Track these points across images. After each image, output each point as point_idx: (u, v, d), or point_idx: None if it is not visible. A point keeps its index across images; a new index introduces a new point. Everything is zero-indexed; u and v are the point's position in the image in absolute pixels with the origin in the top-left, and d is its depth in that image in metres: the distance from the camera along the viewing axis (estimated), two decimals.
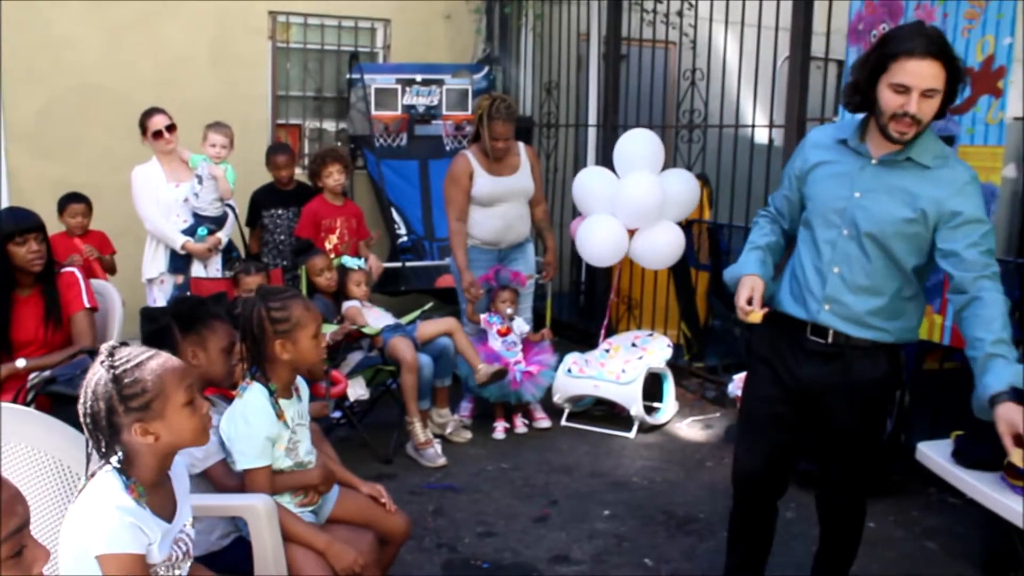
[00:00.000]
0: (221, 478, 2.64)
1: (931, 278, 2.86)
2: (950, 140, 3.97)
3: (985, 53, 3.88)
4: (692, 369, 6.15)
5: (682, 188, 5.43)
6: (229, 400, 2.73)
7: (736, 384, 4.72)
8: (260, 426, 2.60)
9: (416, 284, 6.62)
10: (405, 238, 6.87)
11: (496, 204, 5.12)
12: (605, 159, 6.52)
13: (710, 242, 6.06)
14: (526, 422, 5.32)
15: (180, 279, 5.33)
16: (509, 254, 5.29)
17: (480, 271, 5.14)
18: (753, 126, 5.79)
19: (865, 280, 2.68)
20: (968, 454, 3.25)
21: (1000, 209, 5.56)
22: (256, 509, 2.49)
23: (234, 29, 7.21)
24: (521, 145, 5.28)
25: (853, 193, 2.67)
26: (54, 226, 4.92)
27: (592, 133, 7.16)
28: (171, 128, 5.29)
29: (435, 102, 7.52)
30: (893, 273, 2.67)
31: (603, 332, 5.82)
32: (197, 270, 5.33)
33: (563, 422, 5.38)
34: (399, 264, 6.61)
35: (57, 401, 3.05)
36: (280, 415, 2.65)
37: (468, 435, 5.15)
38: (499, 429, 5.20)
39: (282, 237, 5.81)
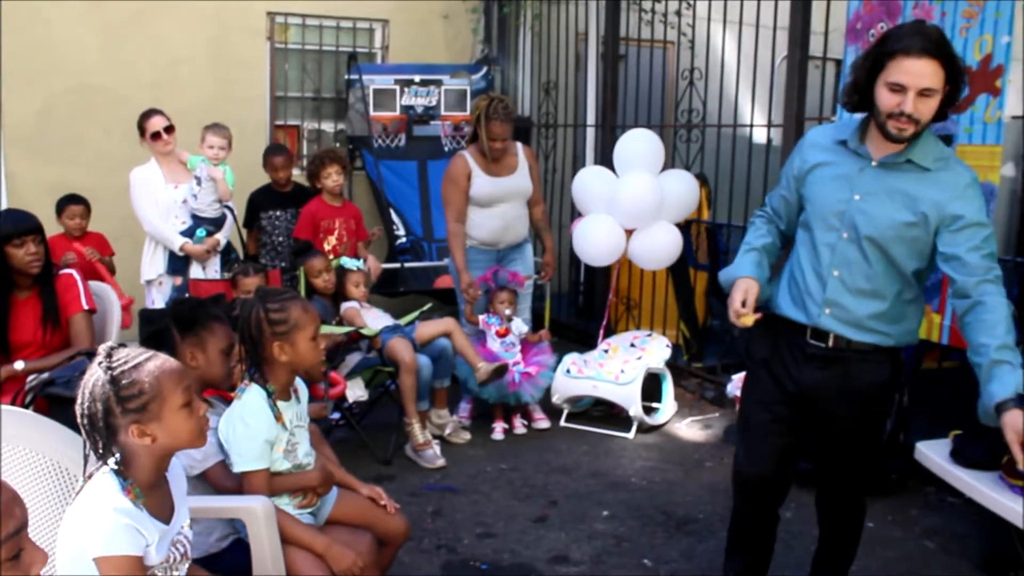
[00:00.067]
0: (219, 480, 2.64)
1: (930, 277, 2.84)
2: (948, 139, 3.98)
3: (983, 52, 3.88)
4: (691, 369, 6.15)
5: (681, 190, 5.43)
6: (228, 402, 2.73)
7: (735, 384, 4.72)
8: (258, 428, 2.60)
9: (415, 285, 6.62)
10: (404, 239, 6.87)
11: (494, 205, 5.12)
12: (604, 159, 6.53)
13: (709, 242, 6.07)
14: (525, 423, 5.32)
15: (179, 281, 5.32)
16: (507, 255, 5.29)
17: (478, 272, 5.14)
18: (751, 126, 5.79)
19: (865, 284, 2.65)
20: (966, 454, 3.26)
21: (998, 208, 5.56)
22: (254, 511, 2.49)
23: (232, 30, 7.21)
24: (519, 145, 5.28)
25: (853, 196, 2.64)
26: (52, 228, 4.93)
27: (591, 133, 7.16)
28: (169, 129, 5.28)
29: (433, 103, 7.52)
30: (893, 276, 2.64)
31: (602, 332, 5.82)
32: (196, 272, 5.33)
33: (562, 423, 5.38)
34: (398, 265, 6.61)
35: (55, 403, 3.05)
36: (278, 417, 2.64)
37: (467, 436, 5.15)
38: (498, 430, 5.20)
39: (280, 238, 5.81)
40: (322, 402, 4.26)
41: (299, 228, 5.53)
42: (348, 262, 5.11)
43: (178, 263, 5.33)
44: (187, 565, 2.15)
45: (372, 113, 7.33)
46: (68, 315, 3.69)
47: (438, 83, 7.52)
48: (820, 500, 3.04)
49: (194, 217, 5.31)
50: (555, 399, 5.36)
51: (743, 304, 2.69)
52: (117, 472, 1.98)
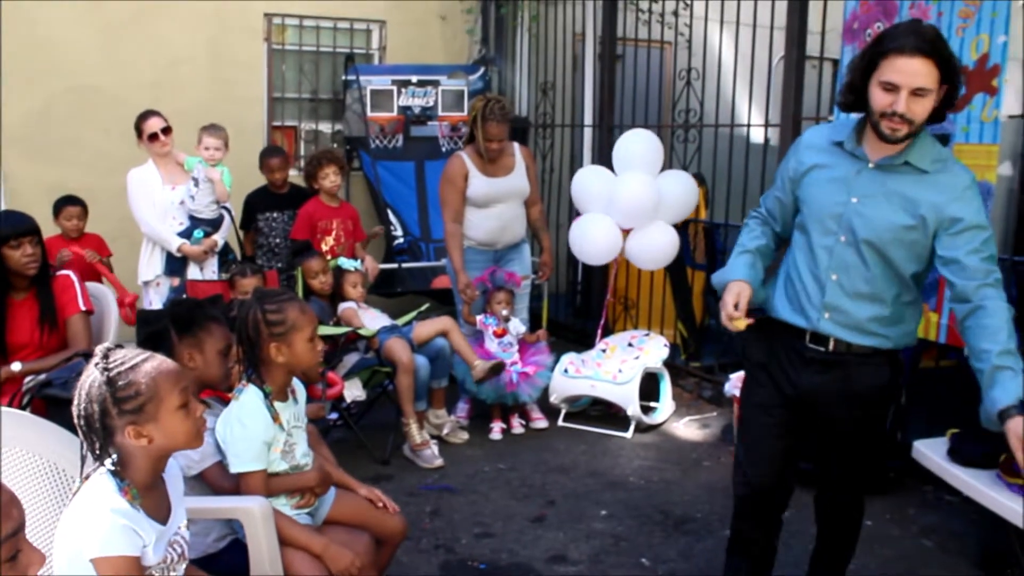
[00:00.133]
0: (217, 480, 2.64)
1: (928, 276, 2.83)
2: (945, 138, 3.98)
3: (980, 51, 3.88)
4: (689, 369, 6.15)
5: (680, 190, 5.43)
6: (225, 402, 2.73)
7: (733, 383, 4.71)
8: (255, 429, 2.60)
9: (412, 285, 6.62)
10: (401, 239, 6.87)
11: (492, 205, 5.12)
12: (601, 159, 6.53)
13: (706, 241, 6.07)
14: (523, 423, 5.32)
15: (176, 282, 5.32)
16: (505, 255, 5.29)
17: (476, 272, 5.14)
18: (749, 125, 5.80)
19: (864, 287, 2.62)
20: (964, 452, 3.25)
21: (995, 207, 5.56)
22: (252, 511, 2.49)
23: (230, 31, 7.21)
24: (516, 145, 5.28)
25: (850, 198, 2.60)
26: (49, 229, 4.93)
27: (588, 133, 7.17)
28: (167, 131, 5.28)
29: (431, 103, 7.51)
30: (892, 279, 2.61)
31: (600, 332, 5.82)
32: (193, 272, 5.33)
33: (560, 422, 5.38)
34: (395, 265, 6.61)
35: (52, 404, 3.04)
36: (276, 418, 2.64)
37: (465, 436, 5.15)
38: (496, 430, 5.20)
39: (277, 240, 5.81)
40: (320, 402, 4.26)
41: (296, 229, 5.53)
42: (346, 263, 5.12)
43: (176, 264, 5.32)
44: (184, 565, 2.15)
45: (369, 114, 7.33)
46: (65, 316, 3.69)
47: (435, 84, 7.52)
48: (819, 500, 3.03)
49: (191, 218, 5.31)
50: (553, 399, 5.36)
51: (736, 307, 2.67)
52: (114, 473, 1.98)
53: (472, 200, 5.10)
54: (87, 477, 1.99)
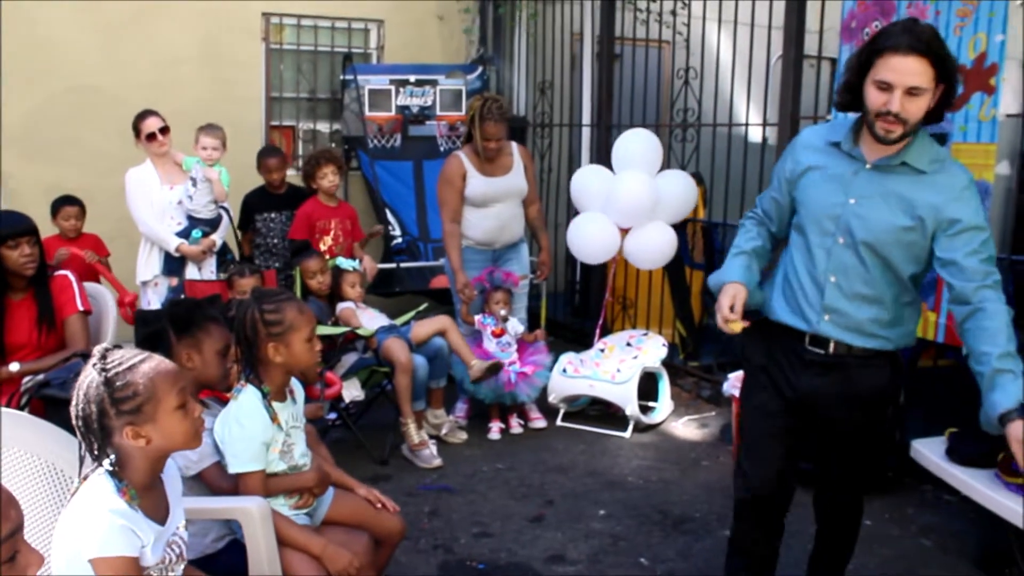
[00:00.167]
0: (215, 480, 2.64)
1: (926, 276, 2.82)
2: (943, 137, 3.98)
3: (977, 50, 3.89)
4: (687, 368, 6.15)
5: (679, 191, 5.43)
6: (223, 403, 2.73)
7: (731, 383, 4.71)
8: (254, 429, 2.60)
9: (411, 285, 6.61)
10: (400, 239, 6.87)
11: (490, 204, 5.12)
12: (599, 159, 6.53)
13: (705, 241, 6.07)
14: (521, 422, 5.32)
15: (174, 282, 5.31)
16: (503, 254, 5.29)
17: (475, 272, 5.14)
18: (747, 124, 5.80)
19: (864, 289, 2.60)
20: (962, 451, 3.26)
21: (993, 206, 5.57)
22: (250, 512, 2.49)
23: (227, 31, 7.21)
24: (514, 145, 5.28)
25: (848, 199, 2.59)
26: (47, 229, 4.93)
27: (586, 133, 7.17)
28: (165, 130, 5.28)
29: (429, 103, 7.51)
30: (891, 280, 2.59)
31: (598, 332, 5.82)
32: (191, 273, 5.32)
33: (558, 422, 5.38)
34: (394, 265, 6.60)
35: (51, 405, 3.04)
36: (274, 418, 2.64)
37: (463, 436, 5.15)
38: (494, 430, 5.20)
39: (274, 240, 5.81)
40: (318, 402, 4.26)
41: (295, 229, 5.53)
42: (344, 262, 5.11)
43: (174, 264, 5.32)
44: (183, 566, 2.15)
45: (367, 113, 7.32)
46: (63, 316, 3.69)
47: (433, 83, 7.51)
48: (819, 500, 3.02)
49: (190, 218, 5.31)
50: (551, 398, 5.36)
51: (731, 310, 2.65)
52: (112, 473, 1.97)
53: (470, 200, 5.10)
54: (85, 478, 1.99)
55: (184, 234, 5.28)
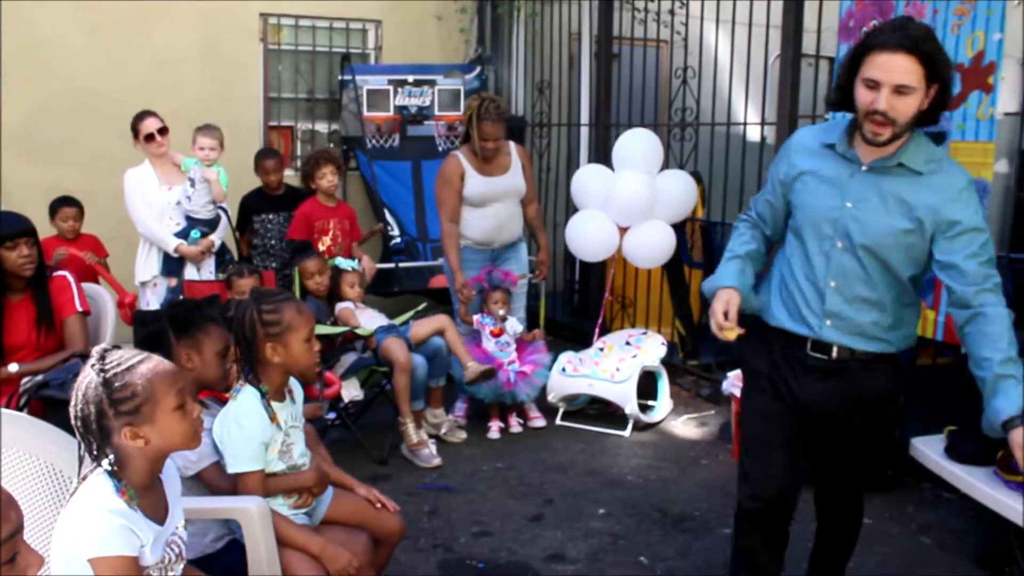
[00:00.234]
0: (214, 480, 2.64)
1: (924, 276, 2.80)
2: (941, 136, 3.98)
3: (975, 49, 3.89)
4: (686, 367, 6.15)
5: (679, 191, 5.44)
6: (223, 403, 2.73)
7: (731, 382, 4.72)
8: (252, 429, 2.60)
9: (409, 285, 6.61)
10: (398, 239, 6.87)
11: (488, 204, 5.12)
12: (598, 158, 6.54)
13: (703, 240, 6.08)
14: (521, 421, 5.32)
15: (173, 282, 5.32)
16: (502, 254, 5.29)
17: (473, 271, 5.14)
18: (745, 124, 5.80)
19: (864, 292, 2.56)
20: (961, 449, 3.26)
21: (992, 205, 5.58)
22: (249, 511, 2.49)
23: (225, 31, 7.20)
24: (512, 144, 5.28)
25: (844, 203, 2.54)
26: (45, 230, 4.92)
27: (584, 132, 7.18)
28: (163, 131, 5.28)
29: (427, 103, 7.51)
30: (890, 283, 2.56)
31: (597, 331, 5.82)
32: (190, 273, 5.32)
33: (558, 421, 5.38)
34: (392, 265, 6.60)
35: (49, 405, 3.04)
36: (273, 417, 2.64)
37: (463, 435, 5.15)
38: (494, 429, 5.20)
39: (272, 242, 5.80)
40: (317, 402, 4.26)
41: (293, 229, 5.53)
42: (343, 262, 5.11)
43: (173, 264, 5.32)
44: (182, 566, 2.15)
45: (366, 113, 7.32)
46: (62, 317, 3.69)
47: (431, 83, 7.51)
48: (819, 500, 3.00)
49: (188, 218, 5.31)
50: (551, 398, 5.36)
51: (726, 316, 2.61)
52: (111, 473, 1.97)
53: (468, 200, 5.10)
54: (84, 478, 1.99)
55: (183, 235, 5.28)
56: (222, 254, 5.49)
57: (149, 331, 2.84)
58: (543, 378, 5.22)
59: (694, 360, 6.21)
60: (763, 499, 2.78)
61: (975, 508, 3.33)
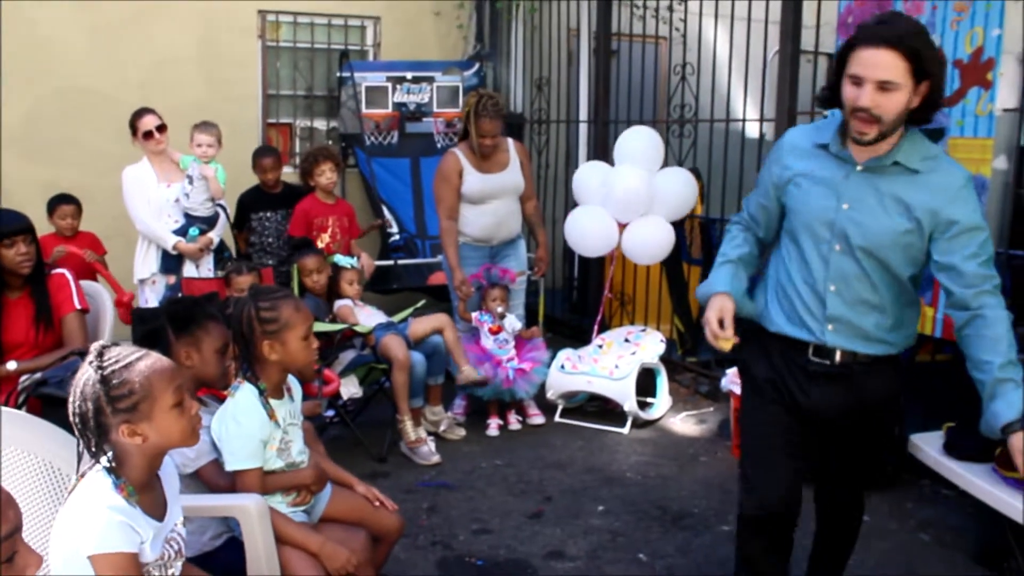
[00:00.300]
0: (213, 478, 2.64)
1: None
2: (940, 132, 3.98)
3: (974, 45, 3.88)
4: (685, 364, 6.15)
5: (679, 189, 5.43)
6: (221, 400, 2.73)
7: (729, 378, 4.72)
8: (251, 426, 2.60)
9: (408, 282, 6.61)
10: (397, 236, 6.86)
11: (486, 201, 5.12)
12: (596, 154, 6.54)
13: (702, 237, 6.07)
14: (520, 419, 5.32)
15: (172, 279, 5.32)
16: (501, 251, 5.29)
17: (472, 268, 5.13)
18: (744, 120, 5.79)
19: (865, 294, 2.51)
20: (959, 446, 3.26)
21: (991, 201, 5.58)
22: (248, 509, 2.48)
23: (223, 29, 7.20)
24: (510, 141, 5.28)
25: (841, 204, 2.48)
26: (44, 228, 4.92)
27: (583, 129, 7.17)
28: (161, 128, 5.27)
29: (426, 99, 7.51)
30: (890, 284, 2.51)
31: (596, 328, 5.82)
32: (189, 270, 5.32)
33: (557, 418, 5.38)
34: (391, 262, 6.60)
35: (48, 403, 3.04)
36: (271, 415, 2.64)
37: (462, 432, 5.15)
38: (493, 426, 5.20)
39: (270, 239, 5.80)
40: (316, 399, 4.26)
41: (293, 226, 5.53)
42: (342, 259, 5.11)
43: (171, 262, 5.32)
44: (181, 562, 2.15)
45: (364, 110, 7.32)
46: (60, 315, 3.69)
47: (430, 80, 7.51)
48: (819, 498, 2.97)
49: (187, 216, 5.30)
50: (550, 395, 5.36)
51: (720, 324, 2.56)
52: (110, 470, 1.97)
53: (467, 197, 5.10)
54: (83, 475, 1.99)
55: (181, 232, 5.28)
56: (221, 251, 5.49)
57: (148, 328, 2.84)
58: (542, 375, 5.22)
59: (693, 357, 6.21)
60: (769, 508, 2.71)
61: (974, 505, 3.33)
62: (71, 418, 1.96)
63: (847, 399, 2.61)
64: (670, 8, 6.36)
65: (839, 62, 2.41)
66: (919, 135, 2.47)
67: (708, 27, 6.25)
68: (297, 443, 2.75)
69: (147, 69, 6.91)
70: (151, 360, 1.99)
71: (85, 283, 4.01)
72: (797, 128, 2.77)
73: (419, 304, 5.31)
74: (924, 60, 2.30)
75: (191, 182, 5.27)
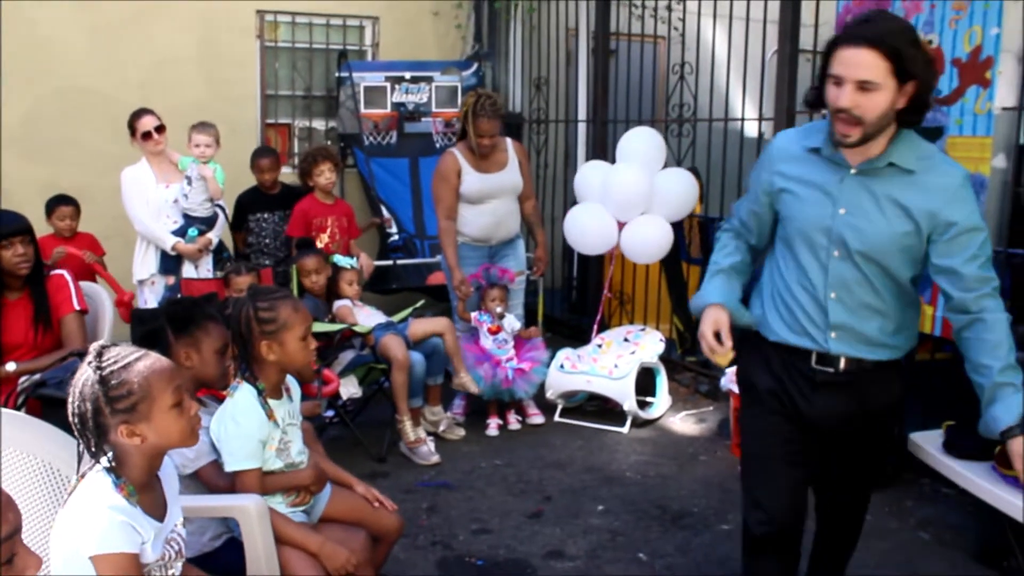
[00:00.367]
0: (212, 479, 2.64)
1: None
2: (939, 131, 3.98)
3: (973, 44, 3.88)
4: (685, 363, 6.15)
5: (680, 189, 5.43)
6: (221, 401, 2.73)
7: (729, 378, 4.72)
8: (249, 427, 2.59)
9: (407, 282, 6.61)
10: (396, 236, 6.86)
11: (485, 201, 5.12)
12: (595, 154, 6.54)
13: (701, 236, 6.07)
14: (519, 419, 5.31)
15: (171, 280, 5.31)
16: (500, 250, 5.29)
17: (471, 268, 5.13)
18: (743, 119, 5.79)
19: (867, 299, 2.46)
20: (959, 445, 3.26)
21: (990, 200, 5.57)
22: (247, 510, 2.48)
23: (222, 29, 7.20)
24: (509, 141, 5.28)
25: (837, 210, 2.42)
26: (42, 229, 4.91)
27: (582, 128, 7.17)
28: (160, 129, 5.27)
29: (424, 99, 7.50)
30: (892, 286, 2.46)
31: (595, 327, 5.82)
32: (188, 271, 5.32)
33: (556, 418, 5.38)
34: (390, 262, 6.60)
35: (47, 404, 3.04)
36: (270, 415, 2.64)
37: (461, 432, 5.14)
38: (492, 426, 5.20)
39: (267, 240, 5.80)
40: (315, 400, 4.26)
41: (292, 226, 5.53)
42: (341, 260, 5.10)
43: (170, 263, 5.31)
44: (181, 563, 2.14)
45: (363, 111, 7.32)
46: (59, 316, 3.69)
47: (429, 80, 7.51)
48: (819, 500, 2.92)
49: (186, 216, 5.30)
50: (549, 394, 5.36)
51: (717, 337, 2.52)
52: (110, 470, 1.97)
53: (465, 196, 5.10)
54: (83, 475, 1.99)
55: (180, 232, 5.27)
56: (220, 252, 5.48)
57: (147, 329, 2.83)
58: (541, 375, 5.22)
59: (692, 356, 6.21)
60: (777, 522, 2.64)
61: (974, 503, 3.33)
62: (70, 419, 1.95)
63: (850, 406, 2.56)
64: (668, 8, 6.36)
65: (823, 62, 2.37)
66: (913, 134, 2.42)
67: (707, 26, 6.25)
68: (296, 443, 2.75)
69: (146, 69, 6.91)
70: (150, 360, 1.98)
71: (84, 284, 4.01)
72: (785, 133, 2.69)
73: (418, 304, 5.31)
74: (906, 60, 2.24)
75: (190, 183, 5.26)
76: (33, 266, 3.62)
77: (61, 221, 5.42)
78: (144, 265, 5.35)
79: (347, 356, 4.76)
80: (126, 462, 1.99)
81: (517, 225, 5.36)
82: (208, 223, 5.34)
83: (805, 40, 5.24)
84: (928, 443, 3.38)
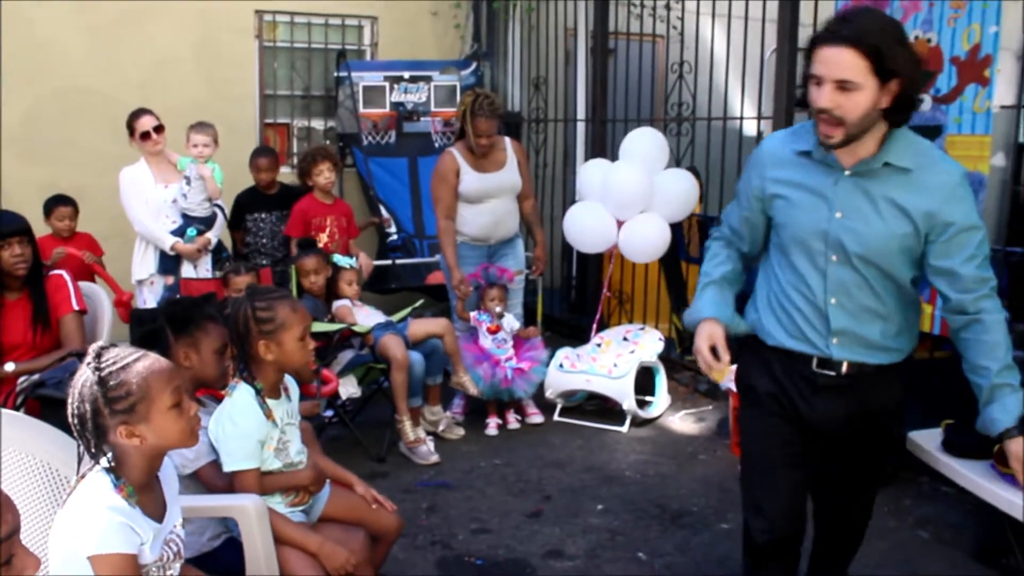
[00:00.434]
0: (211, 479, 2.64)
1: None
2: (938, 129, 3.98)
3: (971, 42, 3.89)
4: (684, 362, 6.14)
5: (680, 188, 5.43)
6: (220, 401, 2.73)
7: (728, 377, 4.71)
8: (248, 427, 2.59)
9: (406, 282, 6.61)
10: (395, 236, 6.86)
11: (484, 200, 5.12)
12: (594, 153, 6.54)
13: (700, 235, 6.07)
14: (519, 418, 5.31)
15: (170, 280, 5.31)
16: (499, 250, 5.29)
17: (470, 268, 5.13)
18: (741, 118, 5.79)
19: (868, 302, 2.41)
20: (958, 443, 3.26)
21: (988, 198, 5.58)
22: (246, 510, 2.48)
23: (221, 29, 7.20)
24: (507, 140, 5.28)
25: (833, 214, 2.36)
26: (41, 229, 4.91)
27: (581, 127, 7.17)
28: (159, 129, 5.27)
29: (423, 99, 7.50)
30: (892, 288, 2.41)
31: (595, 326, 5.82)
32: (187, 271, 5.32)
33: (555, 417, 5.38)
34: (389, 262, 6.60)
35: (46, 405, 3.04)
36: (268, 415, 2.64)
37: (461, 432, 5.14)
38: (492, 425, 5.20)
39: (264, 240, 5.80)
40: (315, 399, 4.25)
41: (291, 226, 5.53)
42: (340, 260, 5.10)
43: (169, 263, 5.31)
44: (180, 564, 2.14)
45: (362, 110, 7.32)
46: (58, 316, 3.69)
47: (427, 79, 7.51)
48: (819, 502, 2.89)
49: (184, 216, 5.30)
50: (548, 394, 5.36)
51: (713, 353, 2.49)
52: (109, 470, 1.97)
53: (464, 196, 5.09)
54: (83, 476, 1.99)
55: (179, 232, 5.27)
56: (219, 252, 5.48)
57: (146, 329, 2.83)
58: (540, 374, 5.22)
59: (691, 355, 6.17)
60: (780, 529, 2.61)
61: (973, 502, 3.33)
62: (70, 420, 1.95)
63: (854, 410, 2.53)
64: (667, 7, 6.36)
65: (805, 62, 2.33)
66: (908, 132, 2.37)
67: (705, 25, 6.26)
68: (295, 443, 2.75)
69: (146, 69, 6.91)
70: (149, 361, 1.98)
71: (83, 284, 4.01)
72: (774, 136, 2.64)
73: (417, 304, 5.31)
74: (886, 58, 2.18)
75: (189, 183, 5.26)
76: (32, 266, 3.61)
77: (60, 221, 5.42)
78: (143, 265, 5.35)
79: (346, 356, 4.76)
80: (125, 463, 1.99)
81: (516, 224, 5.36)
82: (207, 223, 5.34)
83: (804, 39, 5.23)
84: (927, 442, 3.38)
